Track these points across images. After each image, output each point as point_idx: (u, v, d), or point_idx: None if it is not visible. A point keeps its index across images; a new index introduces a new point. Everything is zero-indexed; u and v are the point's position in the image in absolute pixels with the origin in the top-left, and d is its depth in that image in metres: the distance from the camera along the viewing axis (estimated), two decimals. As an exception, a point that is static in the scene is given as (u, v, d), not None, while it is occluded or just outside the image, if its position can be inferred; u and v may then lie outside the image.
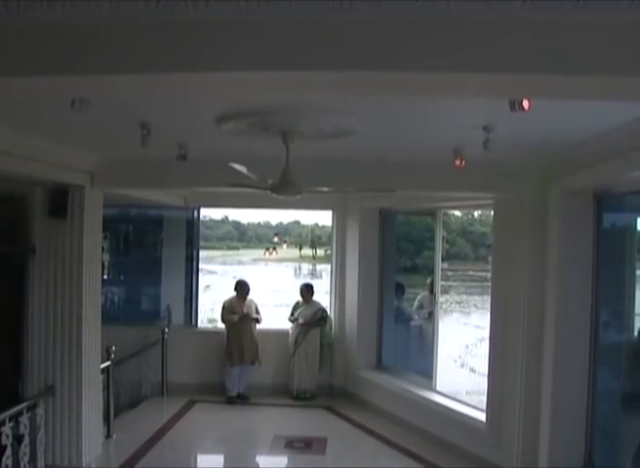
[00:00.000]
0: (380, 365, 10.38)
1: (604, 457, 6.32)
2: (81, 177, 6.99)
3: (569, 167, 5.93)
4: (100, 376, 7.86)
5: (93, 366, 7.35)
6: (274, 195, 5.15)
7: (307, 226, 19.65)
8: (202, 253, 15.42)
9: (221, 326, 10.67)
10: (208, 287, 15.48)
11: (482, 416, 7.77)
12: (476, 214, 17.69)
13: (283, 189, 5.08)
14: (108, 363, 8.24)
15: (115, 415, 8.70)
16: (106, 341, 8.15)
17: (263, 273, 19.88)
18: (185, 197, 10.58)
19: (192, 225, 11.44)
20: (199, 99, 4.20)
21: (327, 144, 5.60)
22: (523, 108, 3.34)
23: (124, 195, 8.33)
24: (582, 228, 6.31)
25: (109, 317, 10.36)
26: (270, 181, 5.13)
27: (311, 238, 19.41)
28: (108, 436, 8.31)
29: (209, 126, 4.87)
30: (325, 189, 5.79)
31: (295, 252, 20.24)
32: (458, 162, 5.79)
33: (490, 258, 15.92)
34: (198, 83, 2.88)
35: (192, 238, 11.45)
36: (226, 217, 19.91)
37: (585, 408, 6.34)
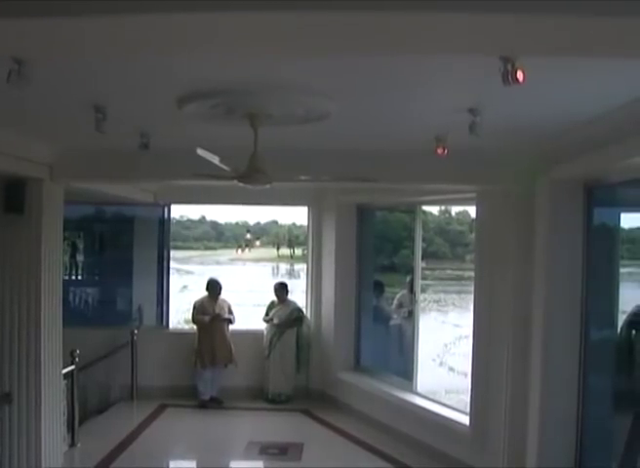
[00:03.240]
0: (358, 366, 10.15)
1: (595, 459, 6.10)
2: (39, 170, 6.54)
3: (559, 155, 5.64)
4: (63, 382, 7.48)
5: (53, 370, 6.91)
6: (241, 185, 4.75)
7: (285, 226, 19.61)
8: (179, 254, 15.15)
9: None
10: (185, 287, 15.35)
11: (465, 419, 7.54)
12: (453, 212, 17.80)
13: (251, 178, 4.68)
14: (72, 367, 7.87)
15: (81, 422, 8.41)
16: (75, 344, 7.85)
17: (241, 273, 19.87)
18: (155, 193, 10.18)
19: (164, 224, 11.09)
20: (157, 75, 3.80)
21: (299, 131, 5.24)
22: (517, 80, 2.97)
23: (88, 190, 7.93)
24: (572, 221, 6.04)
25: (78, 319, 10.27)
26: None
27: (289, 237, 19.36)
28: (72, 444, 7.96)
29: (170, 109, 4.47)
30: (301, 177, 5.38)
31: (272, 251, 20.24)
32: (440, 150, 5.45)
33: (467, 257, 16.10)
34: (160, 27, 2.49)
35: (164, 237, 11.11)
36: (204, 217, 20.10)
37: (576, 408, 6.10)
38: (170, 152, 5.90)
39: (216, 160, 4.46)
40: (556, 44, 2.63)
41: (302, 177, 5.31)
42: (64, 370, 7.49)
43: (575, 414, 6.09)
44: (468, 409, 7.51)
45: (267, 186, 4.82)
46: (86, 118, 4.52)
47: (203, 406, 9.96)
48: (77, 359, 7.95)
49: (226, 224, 20.91)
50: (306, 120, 4.71)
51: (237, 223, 20.72)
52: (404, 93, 4.24)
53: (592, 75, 3.66)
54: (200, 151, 4.26)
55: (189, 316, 10.55)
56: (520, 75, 2.98)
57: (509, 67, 2.98)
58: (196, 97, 4.14)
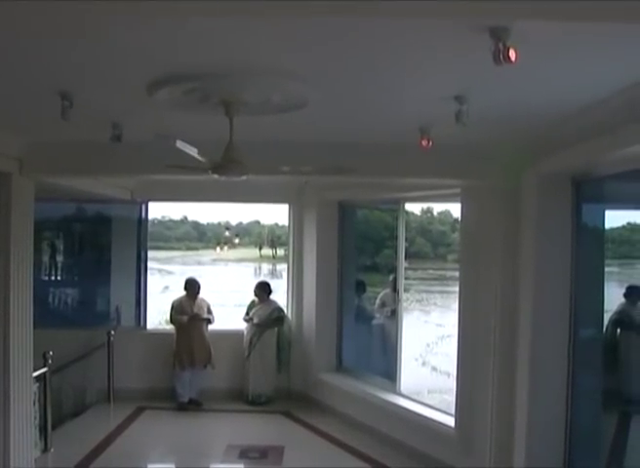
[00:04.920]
0: (340, 367, 9.98)
1: (585, 459, 5.98)
2: (7, 164, 6.24)
3: (548, 146, 5.46)
4: (34, 385, 7.23)
5: (23, 373, 6.62)
6: (216, 176, 4.52)
7: (267, 226, 19.55)
8: (161, 254, 14.87)
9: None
10: (167, 287, 15.24)
11: (450, 420, 7.41)
12: (435, 212, 17.87)
13: (226, 168, 4.43)
14: (45, 369, 7.63)
15: (56, 426, 8.17)
16: (50, 346, 7.68)
17: (223, 273, 19.96)
18: (132, 190, 9.94)
19: (142, 223, 10.89)
20: (125, 59, 3.57)
21: (278, 122, 5.01)
22: (509, 59, 2.79)
23: (62, 186, 7.66)
24: (559, 217, 5.89)
25: (54, 319, 10.24)
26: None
27: (271, 238, 19.29)
28: (45, 450, 7.71)
29: (141, 97, 4.23)
30: (279, 169, 5.15)
31: (255, 251, 20.18)
32: (424, 142, 5.26)
33: (449, 257, 16.21)
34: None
35: (142, 236, 10.92)
36: (185, 218, 20.12)
37: (564, 407, 5.96)
38: (143, 145, 5.64)
39: (194, 152, 4.25)
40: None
41: (282, 169, 5.07)
42: (36, 373, 7.23)
43: (564, 413, 5.96)
44: (453, 410, 7.37)
45: (244, 178, 4.58)
46: (52, 107, 4.28)
47: (181, 408, 9.76)
48: (50, 361, 7.71)
49: (208, 224, 20.94)
50: (284, 108, 4.48)
51: (219, 223, 20.64)
52: (387, 79, 4.02)
53: (586, 60, 3.48)
54: (179, 143, 4.06)
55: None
56: (512, 54, 2.79)
57: (500, 46, 2.80)
58: (167, 81, 3.90)
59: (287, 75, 3.89)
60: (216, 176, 4.51)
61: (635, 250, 6.98)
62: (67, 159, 6.45)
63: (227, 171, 4.46)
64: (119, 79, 4.00)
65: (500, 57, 2.79)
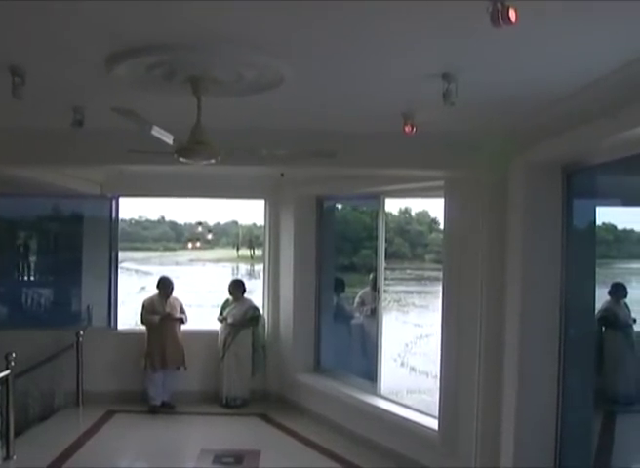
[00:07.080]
0: (318, 367, 9.74)
1: (576, 458, 5.80)
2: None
3: (537, 133, 5.22)
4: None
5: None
6: (182, 159, 4.18)
7: (244, 226, 19.39)
8: (138, 254, 14.63)
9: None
10: (144, 288, 15.09)
11: (433, 422, 7.19)
12: (413, 212, 17.97)
13: (192, 151, 4.10)
14: (7, 372, 7.23)
15: (21, 431, 7.84)
16: (18, 347, 7.41)
17: (200, 274, 20.00)
18: (101, 184, 9.61)
19: (112, 221, 10.57)
20: (81, 29, 3.23)
21: (251, 105, 4.71)
22: (509, 19, 2.50)
23: (23, 178, 7.32)
24: (549, 208, 5.67)
25: (23, 320, 10.11)
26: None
27: (249, 238, 19.15)
28: (7, 457, 7.29)
29: (100, 72, 3.89)
30: (254, 154, 4.84)
31: (232, 252, 20.13)
32: (408, 128, 5.02)
33: (427, 257, 16.28)
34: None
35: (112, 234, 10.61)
36: (163, 218, 20.08)
37: (555, 408, 5.76)
38: (106, 132, 5.40)
39: (170, 139, 3.95)
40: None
41: (257, 152, 4.75)
42: (-3, 377, 6.91)
43: (554, 413, 5.76)
44: (433, 411, 7.20)
45: (212, 161, 4.26)
46: (1, 83, 3.94)
47: (154, 411, 9.45)
48: (12, 363, 7.32)
49: (186, 225, 20.76)
50: (258, 87, 4.17)
51: (196, 224, 20.48)
52: (369, 53, 3.73)
53: (586, 31, 3.21)
54: (155, 131, 3.75)
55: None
56: (512, 13, 2.50)
57: (499, 5, 2.51)
58: (128, 54, 3.55)
59: (260, 48, 3.57)
60: (182, 160, 4.18)
61: (610, 249, 6.86)
62: (24, 148, 6.12)
63: (194, 154, 4.14)
64: (74, 50, 3.63)
65: (498, 17, 2.51)
